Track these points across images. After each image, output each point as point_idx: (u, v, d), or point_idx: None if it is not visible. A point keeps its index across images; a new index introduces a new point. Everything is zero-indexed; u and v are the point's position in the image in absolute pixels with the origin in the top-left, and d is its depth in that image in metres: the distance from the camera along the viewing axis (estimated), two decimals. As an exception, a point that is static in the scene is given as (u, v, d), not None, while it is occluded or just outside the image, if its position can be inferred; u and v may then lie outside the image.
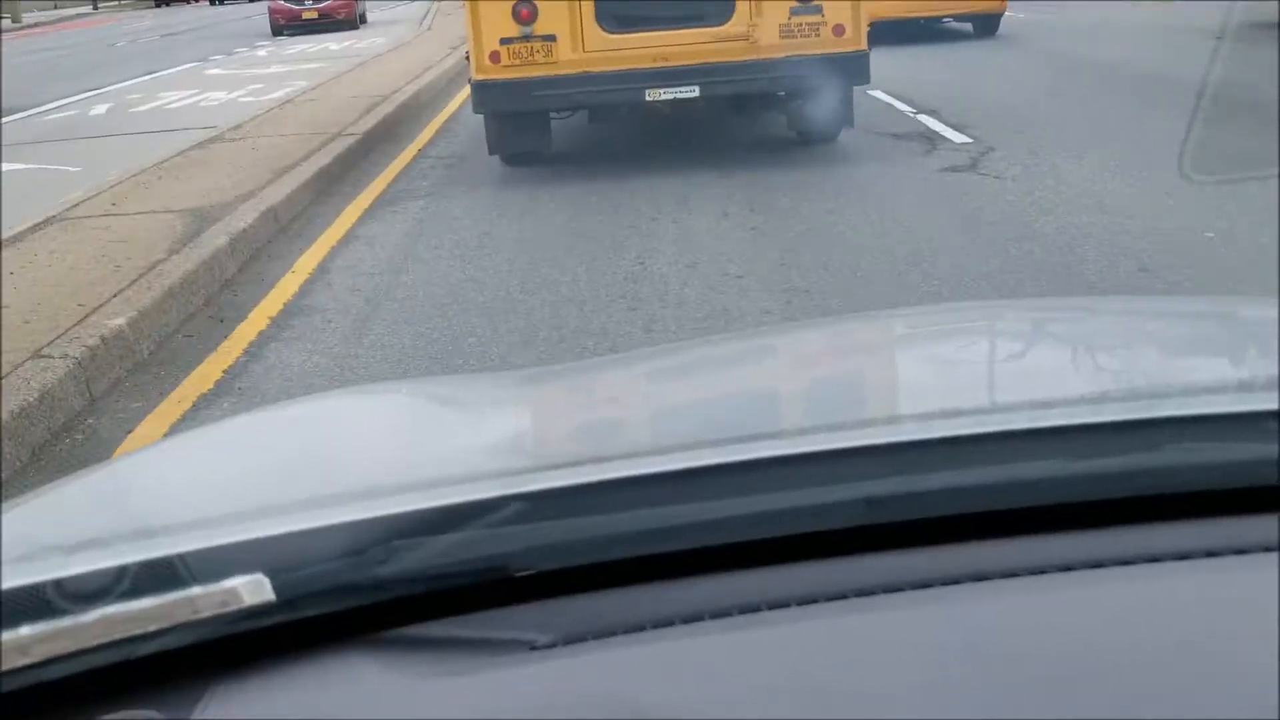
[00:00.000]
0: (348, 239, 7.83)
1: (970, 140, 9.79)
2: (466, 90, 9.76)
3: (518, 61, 8.89)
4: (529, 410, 1.57)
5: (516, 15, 8.83)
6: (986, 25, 18.38)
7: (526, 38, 8.89)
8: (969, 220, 7.27)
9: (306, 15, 30.10)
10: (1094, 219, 7.04)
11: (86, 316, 5.58)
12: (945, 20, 18.59)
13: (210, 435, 1.66)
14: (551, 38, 8.90)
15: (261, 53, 24.90)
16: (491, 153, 9.71)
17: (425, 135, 12.02)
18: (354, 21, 30.88)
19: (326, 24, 29.97)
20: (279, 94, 15.62)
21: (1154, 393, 1.29)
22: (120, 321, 5.52)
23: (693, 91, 8.98)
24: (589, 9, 8.89)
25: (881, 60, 10.00)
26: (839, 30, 8.83)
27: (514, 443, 1.41)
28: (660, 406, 1.51)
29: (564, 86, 8.99)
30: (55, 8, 66.18)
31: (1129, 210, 7.19)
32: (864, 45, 8.96)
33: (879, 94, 12.32)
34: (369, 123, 11.63)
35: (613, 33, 8.93)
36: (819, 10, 8.80)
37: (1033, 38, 18.18)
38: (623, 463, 1.05)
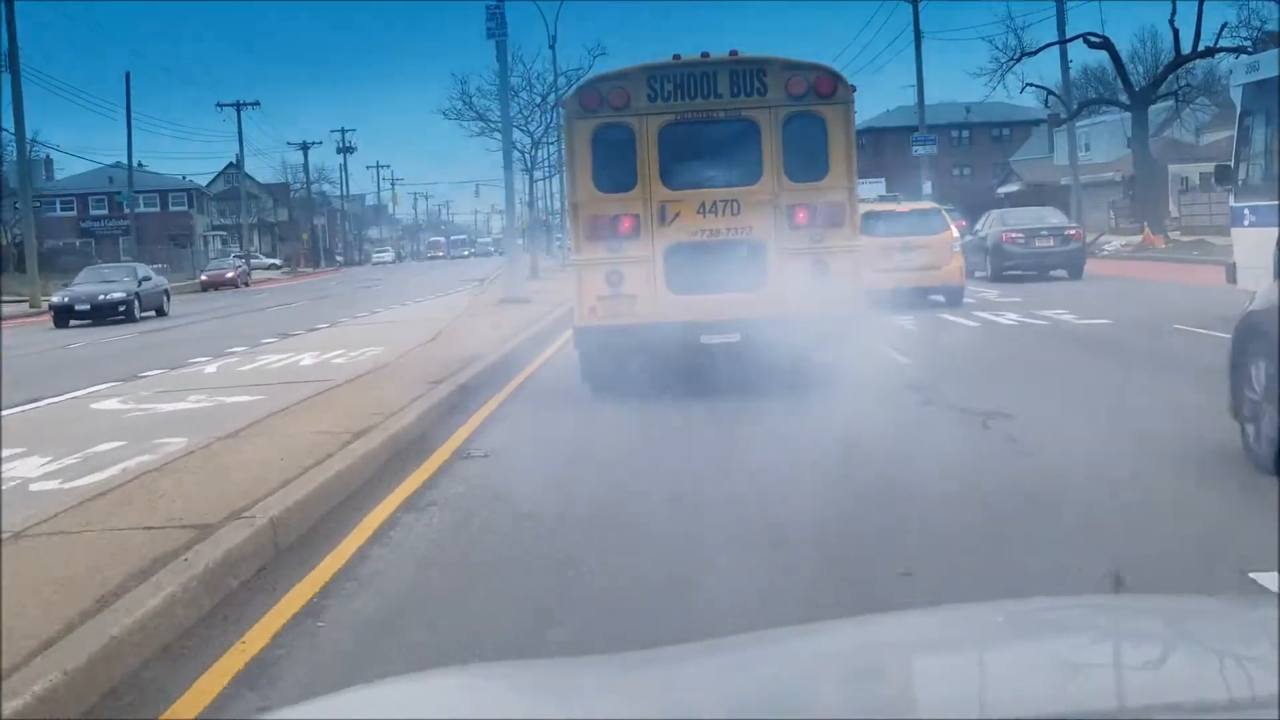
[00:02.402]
0: None
1: None
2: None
3: (609, 313, 12.13)
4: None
5: (609, 280, 12.12)
6: (953, 295, 22.93)
7: (615, 296, 12.12)
8: None
9: None
10: None
11: None
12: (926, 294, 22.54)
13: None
14: (633, 296, 12.11)
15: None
16: (584, 380, 12.76)
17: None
18: None
19: None
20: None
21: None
22: None
23: (735, 337, 12.10)
24: (661, 276, 12.11)
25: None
26: (844, 297, 11.96)
27: None
28: None
29: (642, 332, 11.99)
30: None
31: None
32: (862, 308, 12.36)
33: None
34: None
35: (678, 294, 12.07)
36: (829, 281, 11.92)
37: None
38: None
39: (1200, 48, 43.40)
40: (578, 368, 12.93)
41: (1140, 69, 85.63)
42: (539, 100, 40.87)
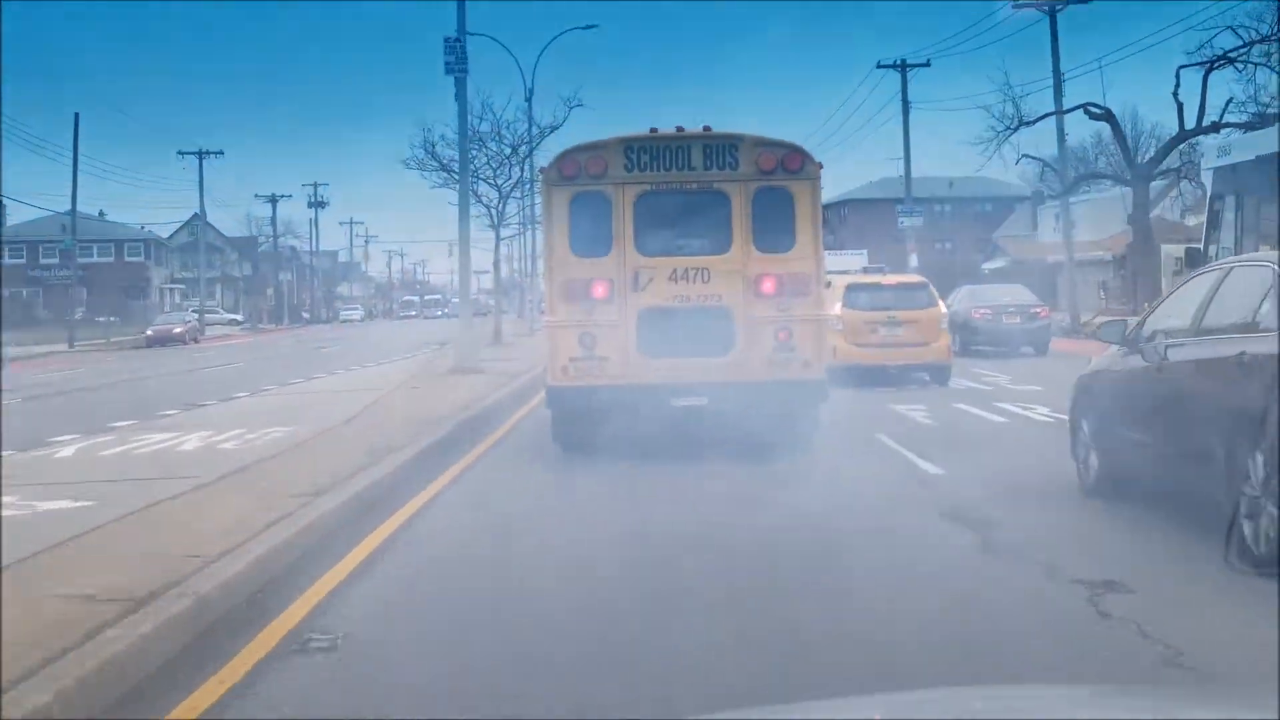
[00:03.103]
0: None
1: None
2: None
3: (581, 374, 12.47)
4: None
5: (582, 342, 12.46)
6: (939, 374, 21.45)
7: (588, 358, 12.46)
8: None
9: None
10: None
11: None
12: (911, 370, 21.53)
13: None
14: (606, 358, 12.45)
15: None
16: (555, 441, 13.20)
17: None
18: None
19: None
20: None
21: None
22: None
23: (703, 401, 12.50)
24: (633, 340, 12.43)
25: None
26: (807, 364, 12.43)
27: None
28: None
29: (613, 393, 12.34)
30: (36, 343, 59.63)
31: None
32: (824, 375, 12.73)
33: None
34: None
35: (649, 357, 12.41)
36: (793, 349, 12.37)
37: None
38: None
39: (1205, 122, 40.86)
40: (525, 456, 12.71)
41: (1116, 149, 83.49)
42: (509, 151, 37.68)
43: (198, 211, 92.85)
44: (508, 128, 37.56)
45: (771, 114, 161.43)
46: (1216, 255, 16.98)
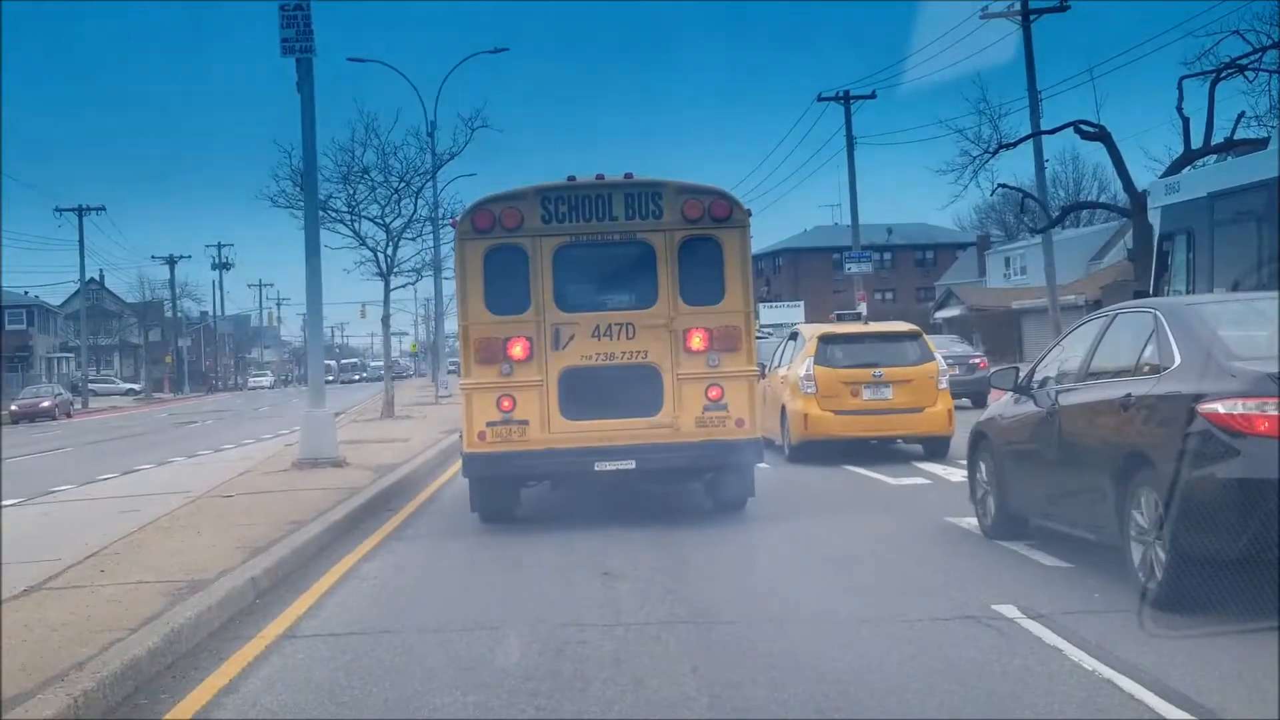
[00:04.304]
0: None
1: None
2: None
3: (499, 439, 11.71)
4: None
5: (499, 405, 11.73)
6: (937, 447, 18.16)
7: (506, 421, 11.71)
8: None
9: None
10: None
11: None
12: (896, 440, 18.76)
13: None
14: (525, 422, 11.71)
15: None
16: (473, 510, 12.40)
17: None
18: None
19: None
20: None
21: None
22: None
23: (630, 464, 11.80)
24: (554, 401, 11.72)
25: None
26: (740, 423, 11.85)
27: None
28: None
29: (534, 459, 11.76)
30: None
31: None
32: (758, 435, 12.18)
33: None
34: None
35: (572, 419, 11.75)
36: (725, 407, 11.80)
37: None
38: None
39: (1214, 140, 35.25)
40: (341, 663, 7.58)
41: (1061, 193, 78.66)
42: (399, 183, 30.90)
43: (90, 275, 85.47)
44: (395, 154, 30.84)
45: (703, 157, 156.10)
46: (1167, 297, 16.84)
